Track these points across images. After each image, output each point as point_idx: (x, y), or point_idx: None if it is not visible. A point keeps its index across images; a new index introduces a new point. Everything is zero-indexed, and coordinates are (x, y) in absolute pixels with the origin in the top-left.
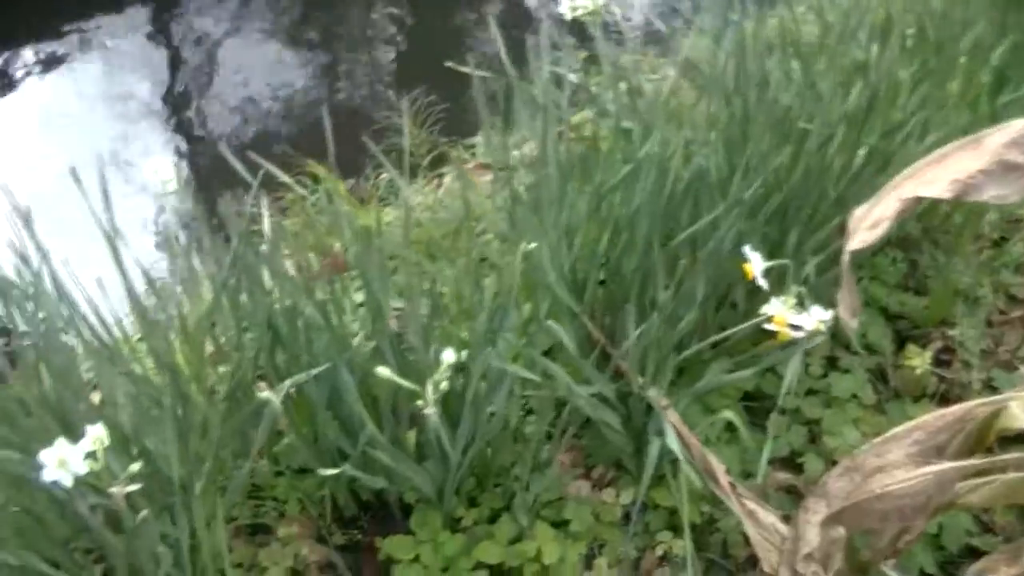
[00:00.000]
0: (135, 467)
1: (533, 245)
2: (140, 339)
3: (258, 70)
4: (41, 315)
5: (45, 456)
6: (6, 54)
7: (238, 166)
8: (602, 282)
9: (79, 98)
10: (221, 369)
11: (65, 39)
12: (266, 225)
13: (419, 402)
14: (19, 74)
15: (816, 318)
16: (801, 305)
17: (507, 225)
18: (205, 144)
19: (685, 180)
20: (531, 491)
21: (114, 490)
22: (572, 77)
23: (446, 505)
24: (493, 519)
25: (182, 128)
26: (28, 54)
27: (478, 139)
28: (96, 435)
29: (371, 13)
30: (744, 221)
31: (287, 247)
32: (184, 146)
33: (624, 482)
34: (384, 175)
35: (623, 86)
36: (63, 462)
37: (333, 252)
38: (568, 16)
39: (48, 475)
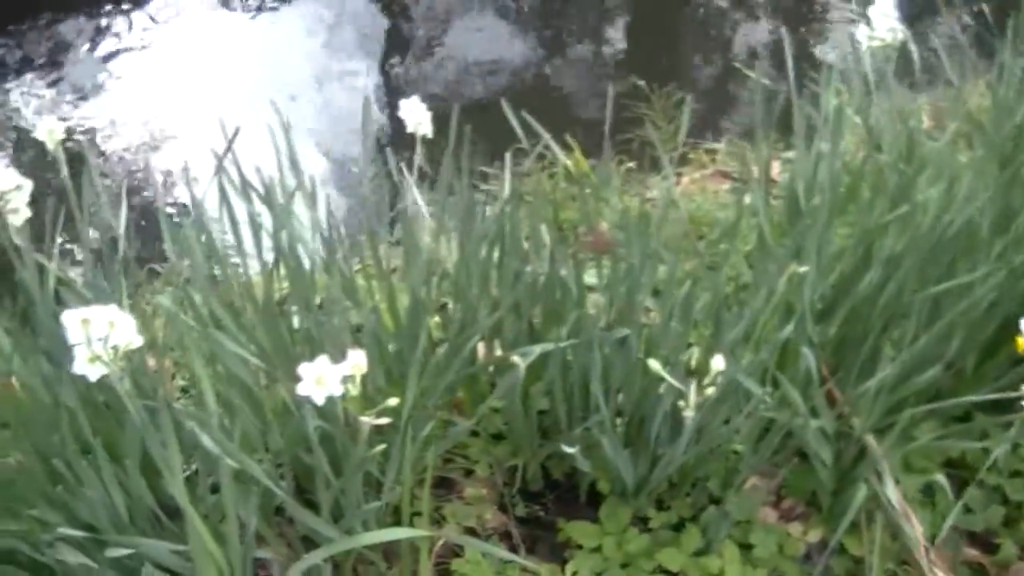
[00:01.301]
0: (393, 402)
1: (804, 269)
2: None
3: (485, 40)
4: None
5: (304, 370)
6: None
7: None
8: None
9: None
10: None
11: None
12: (506, 188)
13: (681, 403)
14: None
15: None
16: None
17: (762, 241)
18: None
19: (953, 231)
20: (726, 508)
21: (365, 419)
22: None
23: (638, 503)
24: (678, 526)
25: (405, 85)
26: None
27: (720, 145)
28: (357, 361)
29: None
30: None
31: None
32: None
33: (814, 520)
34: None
35: (902, 126)
36: (320, 380)
37: (599, 229)
38: (863, 46)
39: (302, 389)
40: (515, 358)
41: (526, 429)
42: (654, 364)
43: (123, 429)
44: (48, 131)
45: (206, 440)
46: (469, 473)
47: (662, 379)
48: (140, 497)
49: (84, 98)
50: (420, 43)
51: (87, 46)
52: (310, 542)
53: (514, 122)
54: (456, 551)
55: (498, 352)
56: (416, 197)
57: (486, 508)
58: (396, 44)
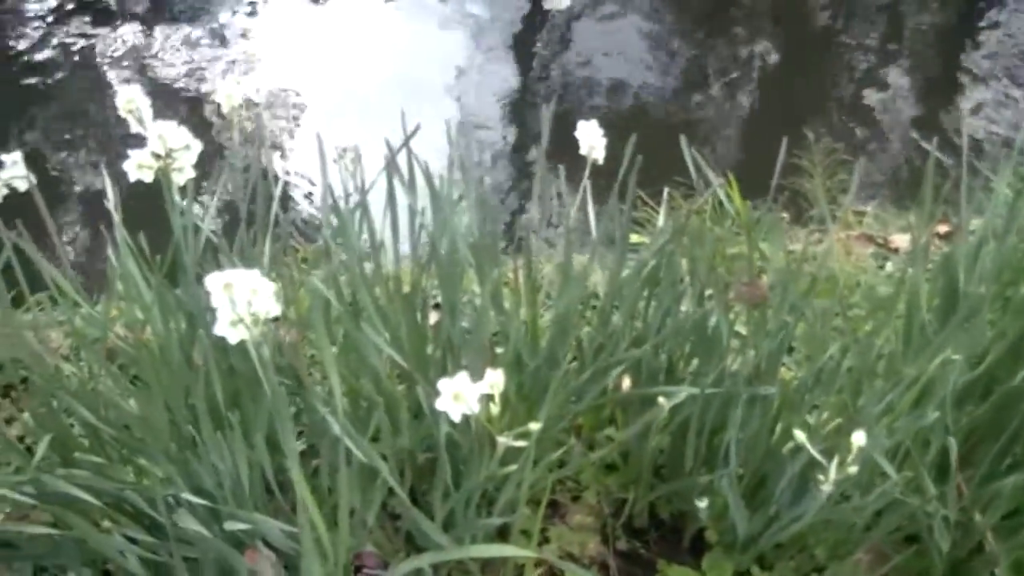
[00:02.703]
0: (534, 427)
1: (957, 358)
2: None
3: (628, 52)
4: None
5: (443, 386)
6: None
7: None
8: None
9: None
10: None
11: None
12: (661, 221)
13: (820, 477)
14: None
15: None
16: None
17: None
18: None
19: None
20: None
21: (503, 439)
22: None
23: (743, 558)
24: None
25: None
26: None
27: (869, 208)
28: (495, 380)
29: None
30: None
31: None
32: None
33: None
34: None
35: None
36: (459, 396)
37: (756, 281)
38: None
39: (440, 404)
40: (661, 400)
41: (642, 464)
42: (800, 436)
43: (254, 401)
44: (226, 95)
45: (336, 429)
46: (576, 498)
47: (793, 440)
48: (260, 473)
49: (243, 71)
50: (561, 55)
51: (244, 21)
52: (410, 542)
53: (688, 157)
54: (554, 573)
55: (626, 383)
56: (573, 215)
57: (590, 536)
58: (537, 54)
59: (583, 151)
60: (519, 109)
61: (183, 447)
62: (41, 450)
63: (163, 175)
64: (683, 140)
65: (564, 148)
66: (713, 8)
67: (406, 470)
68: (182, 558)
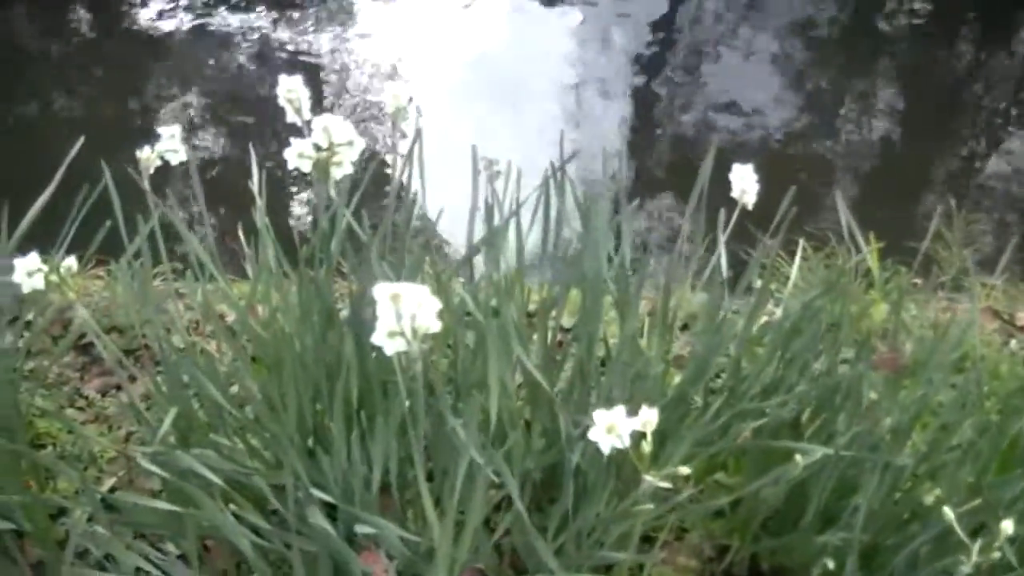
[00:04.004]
0: (684, 471)
1: None
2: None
3: (762, 86)
4: None
5: (599, 416)
6: None
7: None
8: None
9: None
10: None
11: None
12: (794, 272)
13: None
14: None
15: None
16: None
17: None
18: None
19: None
20: None
21: (650, 478)
22: None
23: None
24: None
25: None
26: None
27: (998, 282)
28: (649, 419)
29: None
30: None
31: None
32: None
33: None
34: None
35: None
36: (612, 429)
37: (896, 347)
38: None
39: (593, 434)
40: (798, 457)
41: (752, 515)
42: (949, 514)
43: (387, 406)
44: (393, 95)
45: (473, 452)
46: (679, 537)
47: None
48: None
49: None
50: (693, 84)
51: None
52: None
53: (843, 216)
54: None
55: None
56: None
57: None
58: (659, 75)
59: (734, 193)
60: (640, 138)
61: (307, 439)
62: (167, 424)
63: (321, 168)
64: (839, 198)
65: (682, 175)
66: (859, 51)
67: (526, 489)
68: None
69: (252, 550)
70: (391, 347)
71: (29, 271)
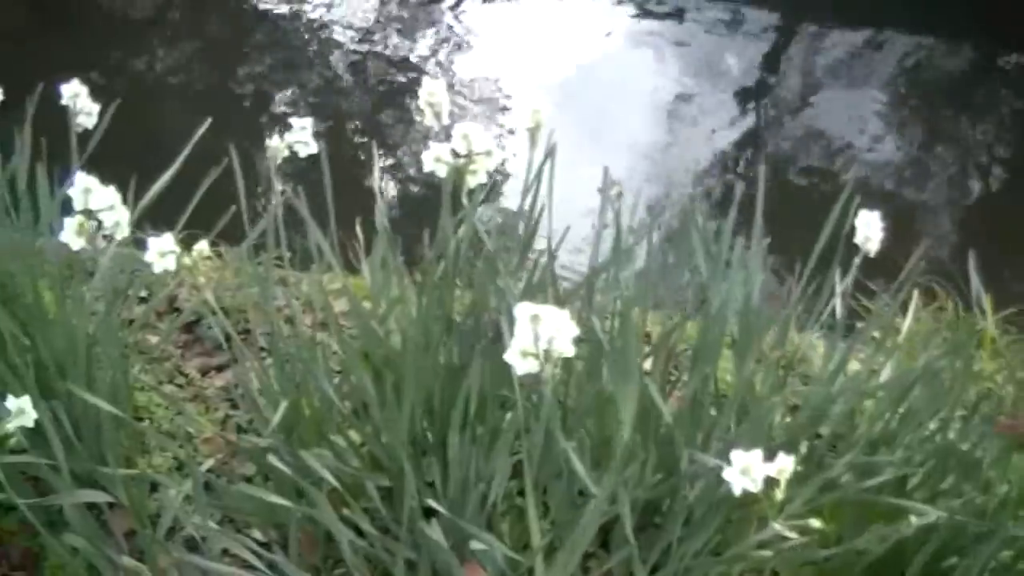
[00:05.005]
0: (815, 523)
1: None
2: None
3: (865, 126)
4: None
5: (736, 457)
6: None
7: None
8: None
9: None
10: None
11: None
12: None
13: None
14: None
15: None
16: None
17: None
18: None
19: None
20: None
21: (778, 526)
22: None
23: None
24: None
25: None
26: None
27: None
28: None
29: None
30: None
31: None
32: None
33: None
34: None
35: None
36: (747, 471)
37: (1020, 415)
38: None
39: (728, 475)
40: (913, 519)
41: (847, 566)
42: None
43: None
44: (533, 111)
45: (578, 466)
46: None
47: None
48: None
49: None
50: (796, 116)
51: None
52: None
53: (974, 279)
54: None
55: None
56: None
57: None
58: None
59: (857, 239)
60: (744, 170)
61: (417, 446)
62: (278, 416)
63: (457, 174)
64: (972, 258)
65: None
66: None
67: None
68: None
69: (353, 553)
70: (523, 367)
71: (162, 252)
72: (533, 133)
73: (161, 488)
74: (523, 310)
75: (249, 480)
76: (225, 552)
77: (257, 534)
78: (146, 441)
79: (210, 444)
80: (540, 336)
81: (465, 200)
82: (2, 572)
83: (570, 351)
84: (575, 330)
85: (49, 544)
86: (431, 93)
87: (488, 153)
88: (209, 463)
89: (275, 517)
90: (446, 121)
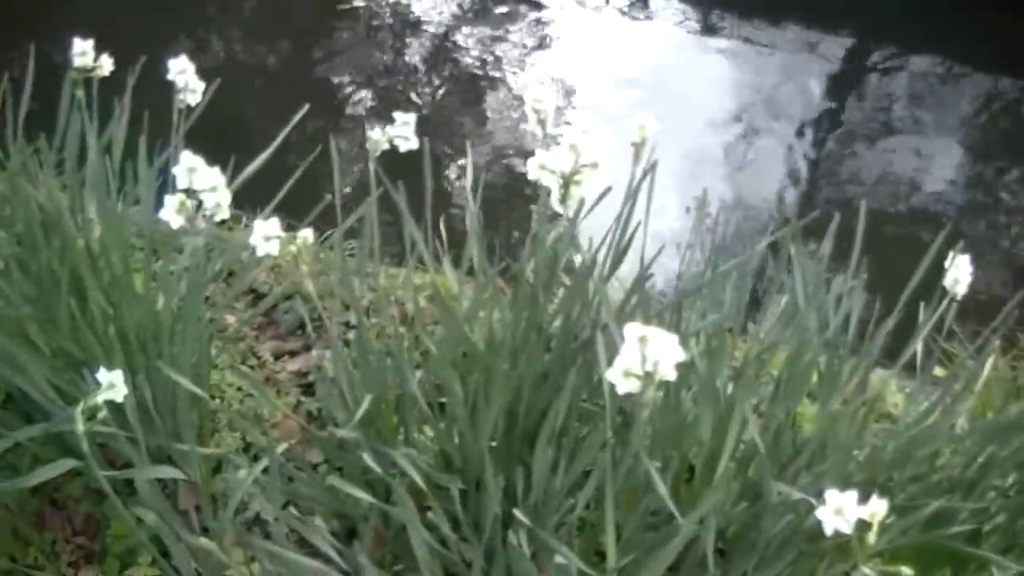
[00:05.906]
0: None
1: None
2: None
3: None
4: None
5: (830, 496)
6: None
7: None
8: None
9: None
10: None
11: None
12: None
13: None
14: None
15: None
16: None
17: None
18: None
19: None
20: None
21: (869, 571)
22: None
23: None
24: None
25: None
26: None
27: None
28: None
29: None
30: None
31: None
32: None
33: None
34: None
35: None
36: (840, 511)
37: None
38: None
39: (821, 513)
40: (995, 571)
41: None
42: None
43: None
44: (640, 126)
45: (661, 488)
46: None
47: None
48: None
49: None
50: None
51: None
52: None
53: None
54: None
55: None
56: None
57: None
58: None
59: (946, 282)
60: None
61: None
62: (362, 409)
63: (562, 185)
64: None
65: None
66: None
67: None
68: None
69: (429, 554)
70: (624, 386)
71: (267, 236)
72: (638, 148)
73: (228, 468)
74: (631, 330)
75: (315, 468)
76: (287, 537)
77: (318, 522)
78: (217, 421)
79: (281, 428)
80: (647, 358)
81: (560, 208)
82: (64, 536)
83: (672, 376)
84: (681, 355)
85: (112, 512)
86: (537, 100)
87: (595, 165)
88: (280, 448)
89: (343, 508)
90: (539, 128)
